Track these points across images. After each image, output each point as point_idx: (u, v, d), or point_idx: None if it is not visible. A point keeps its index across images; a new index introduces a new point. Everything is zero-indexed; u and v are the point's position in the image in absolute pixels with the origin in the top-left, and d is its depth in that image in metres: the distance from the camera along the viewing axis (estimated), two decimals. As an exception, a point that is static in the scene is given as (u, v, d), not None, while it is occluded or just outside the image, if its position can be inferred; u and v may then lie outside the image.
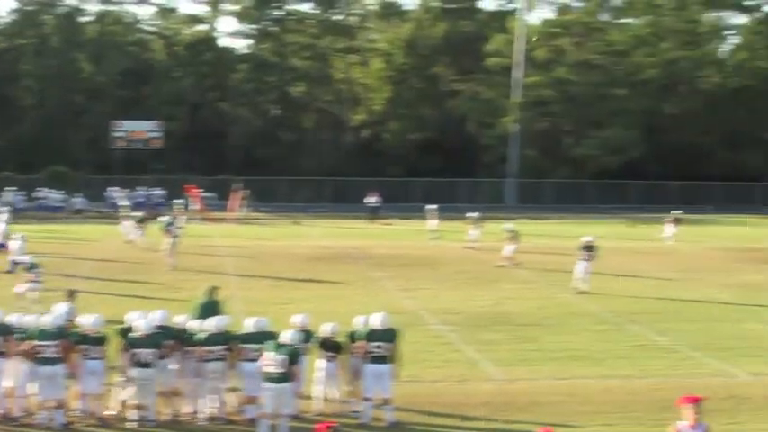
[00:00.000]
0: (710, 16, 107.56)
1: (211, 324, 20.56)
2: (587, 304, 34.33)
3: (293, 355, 19.34)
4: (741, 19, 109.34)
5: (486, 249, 47.38)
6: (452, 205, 67.62)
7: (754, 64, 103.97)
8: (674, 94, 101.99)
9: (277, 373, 19.08)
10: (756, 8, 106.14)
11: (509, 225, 45.15)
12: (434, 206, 56.72)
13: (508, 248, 43.73)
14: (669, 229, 56.23)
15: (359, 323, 21.08)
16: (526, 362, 25.50)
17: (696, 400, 14.22)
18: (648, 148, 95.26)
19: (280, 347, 19.33)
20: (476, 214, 51.59)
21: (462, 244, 50.84)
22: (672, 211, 58.59)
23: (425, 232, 56.25)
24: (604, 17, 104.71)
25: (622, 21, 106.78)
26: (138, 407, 19.90)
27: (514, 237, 43.94)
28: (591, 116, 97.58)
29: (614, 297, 36.03)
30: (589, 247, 37.78)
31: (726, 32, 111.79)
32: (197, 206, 65.86)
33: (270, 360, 19.19)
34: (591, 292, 36.61)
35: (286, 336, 19.68)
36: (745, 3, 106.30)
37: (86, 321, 20.53)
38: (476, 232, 50.52)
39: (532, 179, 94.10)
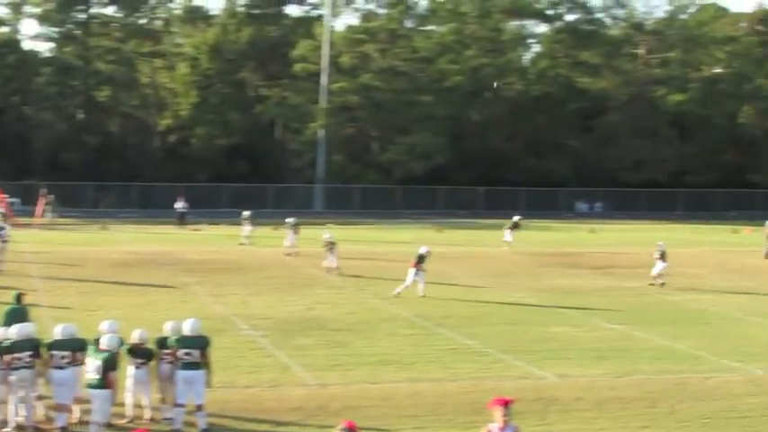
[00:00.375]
0: (513, 25, 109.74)
1: (14, 331, 20.00)
2: (397, 309, 34.52)
3: (109, 361, 18.99)
4: (542, 28, 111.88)
5: (304, 255, 47.41)
6: (261, 211, 67.40)
7: (556, 72, 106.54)
8: (479, 100, 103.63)
9: (93, 379, 18.79)
10: (557, 17, 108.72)
11: (328, 234, 45.05)
12: (248, 212, 56.53)
13: (329, 257, 43.63)
14: (508, 235, 56.54)
15: (169, 329, 20.79)
16: (338, 367, 25.48)
17: (505, 403, 14.34)
18: (454, 154, 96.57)
19: (98, 353, 19.05)
20: (292, 219, 51.49)
21: (274, 249, 50.69)
22: (513, 217, 58.98)
23: (236, 237, 55.92)
24: (409, 24, 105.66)
25: (427, 28, 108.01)
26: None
27: (332, 246, 43.82)
28: (397, 122, 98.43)
29: (424, 301, 36.31)
30: (422, 258, 37.97)
31: (528, 41, 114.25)
32: (3, 211, 64.15)
33: (89, 366, 18.92)
34: (401, 295, 36.87)
35: (104, 341, 19.35)
36: (547, 12, 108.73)
37: None
38: (293, 237, 50.36)
39: (340, 184, 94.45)
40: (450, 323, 31.92)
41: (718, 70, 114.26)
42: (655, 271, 41.73)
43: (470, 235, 66.84)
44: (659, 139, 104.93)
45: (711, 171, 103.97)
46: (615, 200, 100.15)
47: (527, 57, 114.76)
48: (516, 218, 58.20)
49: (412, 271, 37.64)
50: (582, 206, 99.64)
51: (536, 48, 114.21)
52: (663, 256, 41.80)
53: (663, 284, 41.27)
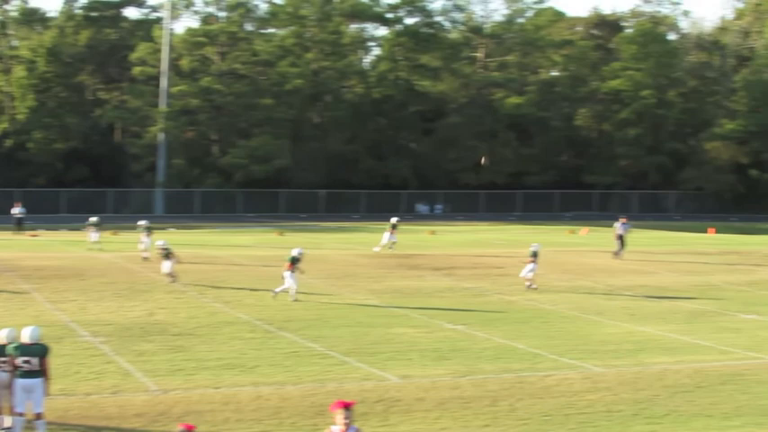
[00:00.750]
0: (353, 28, 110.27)
1: None
2: (239, 313, 34.40)
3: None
4: (382, 31, 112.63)
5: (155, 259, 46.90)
6: (101, 215, 66.41)
7: (396, 75, 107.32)
8: (320, 103, 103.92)
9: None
10: (397, 21, 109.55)
11: (161, 242, 44.46)
12: (95, 218, 55.83)
13: (165, 265, 43.10)
14: (386, 236, 56.30)
15: (5, 337, 20.38)
16: (180, 372, 25.27)
17: (346, 405, 14.38)
18: (295, 157, 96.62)
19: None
20: (144, 222, 50.99)
21: (114, 254, 50.07)
22: (392, 219, 58.79)
23: (75, 243, 55.07)
24: (249, 27, 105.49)
25: (267, 31, 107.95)
26: None
27: (168, 253, 43.29)
28: (238, 125, 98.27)
29: (266, 305, 36.26)
30: (295, 260, 37.82)
31: (368, 44, 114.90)
32: None
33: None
34: (242, 300, 36.81)
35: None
36: (387, 15, 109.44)
37: None
38: (147, 241, 49.72)
39: (181, 188, 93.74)
40: (293, 326, 31.92)
41: (554, 73, 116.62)
42: (523, 273, 42.00)
43: (312, 237, 66.93)
44: (498, 141, 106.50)
45: (549, 172, 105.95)
46: (455, 201, 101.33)
47: (367, 60, 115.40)
48: (394, 219, 58.14)
49: (287, 273, 37.60)
50: (422, 208, 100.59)
51: (376, 51, 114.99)
52: (535, 257, 42.08)
53: (532, 286, 41.56)
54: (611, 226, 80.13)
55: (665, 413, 22.04)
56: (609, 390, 24.11)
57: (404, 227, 75.66)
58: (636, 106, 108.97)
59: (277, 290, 37.77)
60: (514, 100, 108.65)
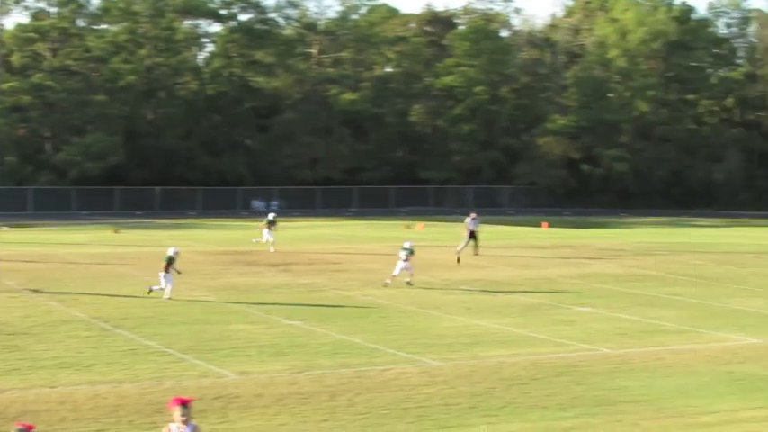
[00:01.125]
0: (187, 24, 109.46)
1: None
2: (74, 311, 33.89)
3: None
4: (216, 27, 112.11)
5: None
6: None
7: (230, 71, 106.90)
8: (154, 100, 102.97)
9: None
10: (231, 17, 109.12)
11: None
12: None
13: None
14: (266, 235, 55.23)
15: None
16: (15, 371, 24.77)
17: (183, 402, 14.26)
18: (130, 154, 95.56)
19: None
20: None
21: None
22: (269, 215, 57.76)
23: None
24: (81, 23, 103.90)
25: (100, 27, 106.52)
26: None
27: None
28: (71, 122, 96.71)
29: (102, 303, 35.80)
30: (171, 259, 37.36)
31: (202, 40, 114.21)
32: None
33: None
34: (78, 299, 36.28)
35: None
36: (220, 11, 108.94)
37: None
38: None
39: (13, 186, 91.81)
40: (130, 324, 31.58)
41: (388, 70, 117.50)
42: (396, 271, 41.71)
43: (148, 235, 66.24)
44: (333, 137, 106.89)
45: (384, 168, 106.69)
46: (291, 198, 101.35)
47: (201, 56, 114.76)
48: (271, 215, 57.38)
49: (162, 274, 37.27)
50: (258, 204, 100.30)
51: (210, 47, 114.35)
52: (409, 257, 41.98)
53: (409, 283, 41.62)
54: (446, 221, 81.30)
55: (502, 405, 22.39)
56: (446, 383, 24.39)
57: (239, 224, 75.42)
58: (469, 102, 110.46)
59: (154, 288, 37.50)
60: (349, 96, 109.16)
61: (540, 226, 78.61)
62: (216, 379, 24.50)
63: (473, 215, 55.63)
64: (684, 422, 21.15)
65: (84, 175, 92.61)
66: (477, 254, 53.32)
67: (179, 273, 38.10)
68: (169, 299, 36.75)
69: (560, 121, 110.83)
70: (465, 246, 53.42)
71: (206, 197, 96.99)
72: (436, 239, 64.26)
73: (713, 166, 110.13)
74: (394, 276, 41.57)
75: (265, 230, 55.24)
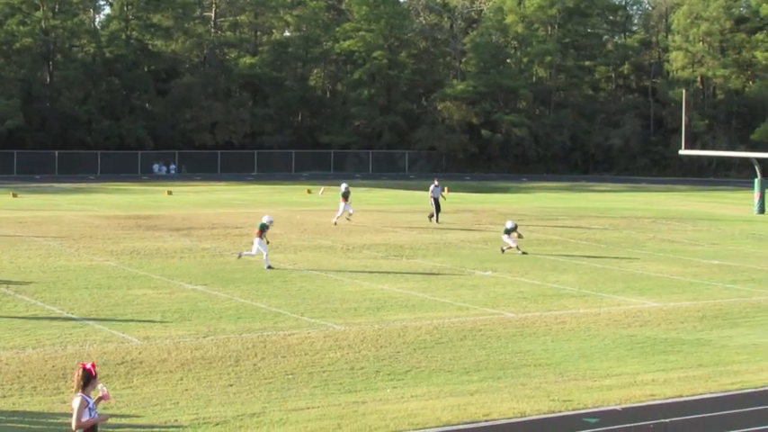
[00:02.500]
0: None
1: None
2: (-27, 277, 33.43)
3: None
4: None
5: None
6: None
7: (127, 34, 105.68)
8: (51, 62, 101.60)
9: None
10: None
11: None
12: None
13: None
14: (343, 207, 52.25)
15: None
16: None
17: (83, 367, 14.01)
18: (28, 118, 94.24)
19: None
20: None
21: None
22: (342, 186, 55.14)
23: None
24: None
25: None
26: None
27: None
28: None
29: (1, 268, 35.31)
30: (264, 227, 37.58)
31: (99, 2, 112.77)
32: None
33: None
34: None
35: None
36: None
37: None
38: None
39: None
40: (31, 289, 31.19)
41: (287, 34, 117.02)
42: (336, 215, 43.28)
43: (48, 199, 65.42)
44: (233, 101, 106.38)
45: (284, 132, 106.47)
46: (191, 162, 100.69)
47: (98, 19, 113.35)
48: (344, 187, 52.95)
49: (256, 240, 37.38)
50: (159, 168, 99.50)
51: (107, 10, 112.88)
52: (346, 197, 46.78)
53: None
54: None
55: (407, 369, 22.54)
56: (351, 347, 24.47)
57: (139, 188, 74.83)
58: (368, 67, 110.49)
59: (244, 253, 38.04)
60: (248, 60, 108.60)
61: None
62: (119, 344, 24.32)
63: (435, 182, 55.15)
64: (587, 385, 21.46)
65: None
66: (438, 221, 52.93)
67: (268, 243, 37.73)
68: (269, 267, 36.75)
69: (459, 86, 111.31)
70: (436, 212, 53.48)
71: (106, 161, 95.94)
72: (337, 204, 64.30)
73: (611, 132, 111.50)
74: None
75: (342, 203, 51.62)
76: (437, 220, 53.06)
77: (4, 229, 46.35)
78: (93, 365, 13.82)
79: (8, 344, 24.09)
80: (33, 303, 29.04)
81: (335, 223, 50.34)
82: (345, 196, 49.64)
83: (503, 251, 42.07)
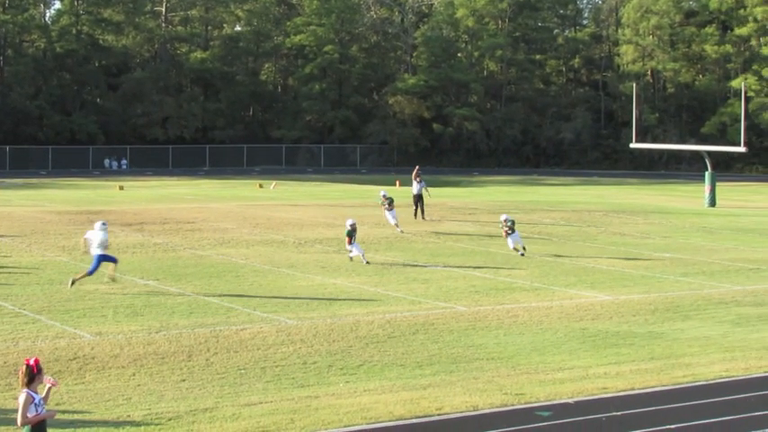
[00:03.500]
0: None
1: None
2: None
3: None
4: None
5: None
6: None
7: (78, 29, 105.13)
8: (1, 57, 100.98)
9: None
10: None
11: None
12: None
13: None
14: (389, 216, 51.07)
15: None
16: None
17: (26, 363, 13.92)
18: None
19: None
20: None
21: None
22: (381, 192, 53.98)
23: None
24: None
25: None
26: None
27: None
28: None
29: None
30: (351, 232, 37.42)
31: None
32: None
33: None
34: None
35: None
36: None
37: None
38: None
39: None
40: (-20, 286, 31.01)
41: (238, 29, 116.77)
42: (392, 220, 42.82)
43: (-5, 195, 64.92)
44: (184, 95, 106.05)
45: (236, 127, 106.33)
46: (143, 157, 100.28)
47: (49, 14, 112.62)
48: (383, 193, 50.37)
49: (348, 247, 37.46)
50: (110, 163, 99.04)
51: (57, 4, 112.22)
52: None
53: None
54: (298, 180, 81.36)
55: (359, 364, 22.58)
56: (303, 342, 24.49)
57: (90, 183, 74.40)
58: (320, 61, 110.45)
59: (351, 254, 37.81)
60: (199, 55, 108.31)
61: (393, 184, 79.01)
62: (71, 340, 24.21)
63: (417, 178, 52.58)
64: (539, 378, 21.58)
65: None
66: (424, 218, 51.31)
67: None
68: (367, 263, 36.89)
69: (410, 80, 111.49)
70: (416, 210, 51.98)
71: (57, 156, 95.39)
72: (289, 198, 64.27)
73: (562, 126, 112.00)
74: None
75: (387, 212, 47.79)
76: (423, 217, 51.52)
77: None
78: (37, 361, 13.76)
79: (-42, 341, 23.96)
80: (-16, 300, 28.88)
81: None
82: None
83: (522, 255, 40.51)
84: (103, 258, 31.50)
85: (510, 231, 40.81)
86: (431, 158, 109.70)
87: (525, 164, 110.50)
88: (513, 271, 36.41)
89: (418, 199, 51.70)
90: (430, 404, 19.53)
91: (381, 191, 49.81)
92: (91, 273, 31.23)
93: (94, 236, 31.71)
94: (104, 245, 31.65)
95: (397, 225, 47.04)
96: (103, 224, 32.31)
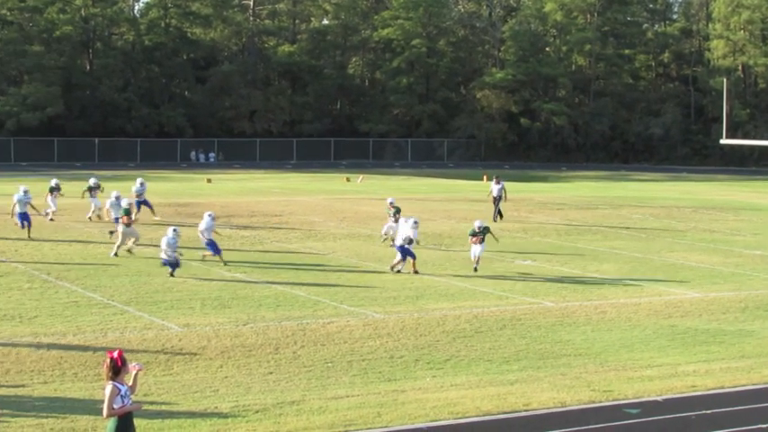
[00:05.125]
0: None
1: None
2: (15, 263, 33.55)
3: None
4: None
5: None
6: None
7: (166, 22, 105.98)
8: (91, 50, 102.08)
9: None
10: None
11: None
12: None
13: None
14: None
15: None
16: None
17: (110, 357, 13.99)
18: (69, 105, 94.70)
19: None
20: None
21: None
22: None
23: None
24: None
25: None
26: None
27: None
28: (7, 73, 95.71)
29: (44, 254, 35.50)
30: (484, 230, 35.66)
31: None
32: None
33: None
34: (19, 250, 35.92)
35: None
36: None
37: None
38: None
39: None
40: (72, 276, 31.32)
41: (326, 22, 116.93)
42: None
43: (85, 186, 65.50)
44: (272, 89, 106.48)
45: (323, 120, 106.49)
46: (230, 150, 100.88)
47: (137, 7, 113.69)
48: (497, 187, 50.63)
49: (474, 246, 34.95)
50: (198, 156, 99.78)
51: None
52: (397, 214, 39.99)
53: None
54: (385, 174, 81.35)
55: (446, 358, 22.49)
56: (390, 336, 24.44)
57: (178, 175, 74.97)
58: (407, 55, 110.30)
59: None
60: (287, 48, 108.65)
61: (480, 179, 78.76)
62: (159, 331, 24.40)
63: (496, 179, 50.85)
64: (627, 375, 21.33)
65: (22, 125, 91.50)
66: (495, 220, 48.49)
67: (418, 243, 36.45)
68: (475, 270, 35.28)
69: (498, 74, 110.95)
70: (495, 212, 49.69)
71: (145, 149, 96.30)
72: (375, 192, 64.27)
73: (651, 121, 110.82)
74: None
75: (391, 224, 41.20)
76: (500, 217, 49.49)
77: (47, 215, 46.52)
78: (120, 354, 13.83)
79: (49, 330, 24.23)
80: (74, 290, 29.16)
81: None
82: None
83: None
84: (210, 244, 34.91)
85: (478, 242, 35.34)
86: (518, 153, 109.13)
87: (614, 159, 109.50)
88: (601, 266, 36.08)
89: (497, 200, 50.09)
90: (517, 400, 19.39)
91: (389, 198, 43.81)
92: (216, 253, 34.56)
93: (205, 224, 35.25)
94: (210, 230, 35.19)
95: (392, 239, 38.47)
96: (210, 215, 35.92)
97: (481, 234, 35.19)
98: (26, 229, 39.40)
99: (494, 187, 50.33)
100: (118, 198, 41.32)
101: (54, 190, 46.71)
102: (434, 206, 55.95)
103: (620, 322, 26.59)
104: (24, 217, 39.70)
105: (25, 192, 40.39)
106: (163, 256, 31.98)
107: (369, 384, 20.32)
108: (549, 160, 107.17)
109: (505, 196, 50.32)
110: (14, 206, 40.28)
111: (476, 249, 35.03)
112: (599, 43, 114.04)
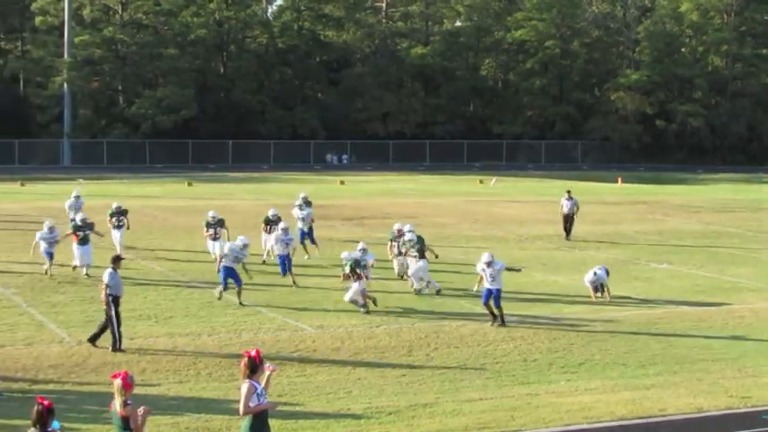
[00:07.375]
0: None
1: None
2: (152, 264, 34.09)
3: None
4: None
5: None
6: (7, 166, 65.48)
7: (299, 24, 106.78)
8: (225, 53, 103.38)
9: None
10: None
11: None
12: None
13: None
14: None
15: None
16: (93, 323, 24.70)
17: (248, 356, 14.07)
18: (202, 108, 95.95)
19: None
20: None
21: (20, 205, 49.27)
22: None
23: None
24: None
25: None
26: None
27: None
28: (143, 76, 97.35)
29: (177, 256, 36.04)
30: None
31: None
32: None
33: None
34: (154, 252, 36.48)
35: None
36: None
37: None
38: None
39: (88, 139, 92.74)
40: (206, 277, 31.61)
41: (458, 24, 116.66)
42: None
43: (222, 188, 66.51)
44: (405, 91, 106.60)
45: (456, 122, 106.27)
46: (363, 151, 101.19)
47: (271, 10, 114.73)
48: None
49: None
50: (332, 158, 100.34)
51: (279, 1, 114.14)
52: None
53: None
54: (518, 176, 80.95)
55: (581, 362, 22.28)
56: (524, 339, 24.30)
57: (312, 177, 75.61)
58: (541, 56, 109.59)
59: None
60: (419, 50, 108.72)
61: (614, 181, 77.95)
62: (293, 332, 24.58)
63: (567, 194, 45.32)
64: (766, 382, 20.88)
65: (157, 128, 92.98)
66: (568, 238, 43.74)
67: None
68: None
69: (633, 75, 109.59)
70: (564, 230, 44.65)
71: (278, 151, 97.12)
72: (509, 194, 63.99)
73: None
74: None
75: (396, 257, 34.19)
76: (569, 237, 44.07)
77: (181, 217, 47.28)
78: (258, 353, 13.94)
79: (184, 330, 24.57)
80: (208, 292, 29.45)
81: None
82: None
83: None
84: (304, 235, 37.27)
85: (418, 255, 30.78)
86: (653, 155, 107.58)
87: (752, 161, 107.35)
88: (738, 270, 35.40)
89: (568, 218, 44.45)
90: (653, 405, 19.11)
91: (396, 224, 34.60)
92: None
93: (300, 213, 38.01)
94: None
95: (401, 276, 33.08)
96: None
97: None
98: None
99: (564, 203, 44.53)
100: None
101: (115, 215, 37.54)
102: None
103: (759, 327, 26.04)
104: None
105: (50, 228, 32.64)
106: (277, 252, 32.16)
107: (502, 387, 20.21)
108: (684, 162, 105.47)
109: (577, 211, 44.87)
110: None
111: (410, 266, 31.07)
112: (736, 43, 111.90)
